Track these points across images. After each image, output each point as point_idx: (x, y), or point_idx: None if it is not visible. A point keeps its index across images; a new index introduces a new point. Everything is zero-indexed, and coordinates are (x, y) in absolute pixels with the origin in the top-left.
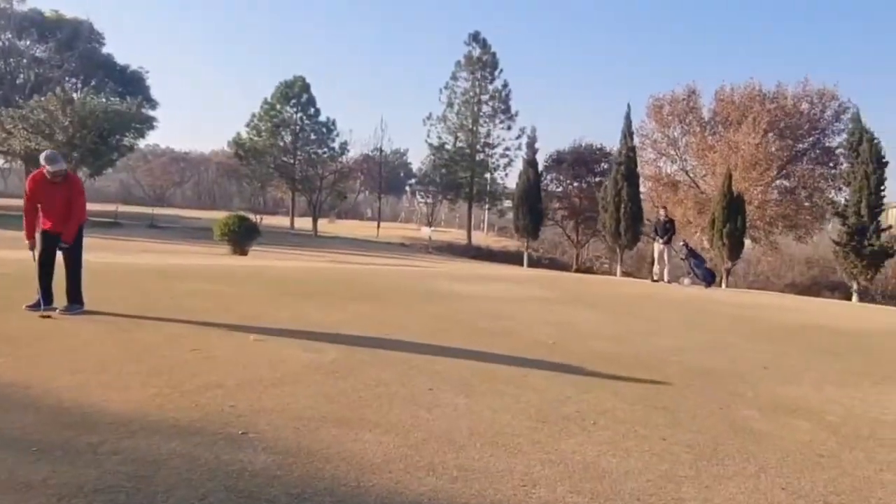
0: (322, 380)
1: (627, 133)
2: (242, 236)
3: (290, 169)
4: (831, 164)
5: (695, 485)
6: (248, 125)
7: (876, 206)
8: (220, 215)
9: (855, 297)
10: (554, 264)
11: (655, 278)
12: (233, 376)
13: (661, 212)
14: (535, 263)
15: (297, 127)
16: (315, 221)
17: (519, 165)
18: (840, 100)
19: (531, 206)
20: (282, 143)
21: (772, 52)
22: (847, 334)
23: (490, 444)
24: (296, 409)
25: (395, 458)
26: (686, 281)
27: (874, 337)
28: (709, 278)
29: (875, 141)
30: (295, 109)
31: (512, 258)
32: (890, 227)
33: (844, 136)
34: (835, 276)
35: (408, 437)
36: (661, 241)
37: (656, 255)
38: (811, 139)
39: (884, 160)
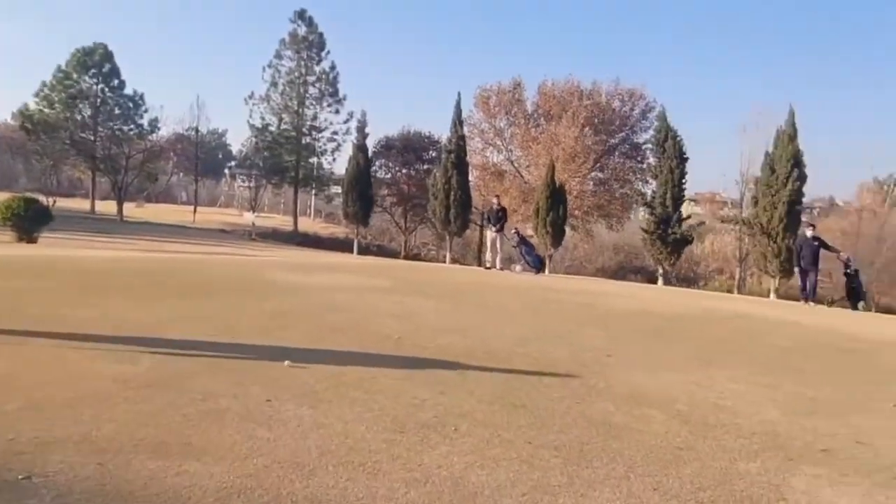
0: (134, 396)
1: (457, 122)
2: (30, 221)
3: (89, 146)
4: (639, 159)
5: (570, 493)
6: (37, 95)
7: (678, 198)
8: (2, 197)
9: (660, 281)
10: (382, 251)
11: (488, 265)
12: (14, 399)
13: (494, 200)
14: (363, 250)
15: (98, 99)
16: (121, 205)
17: (347, 150)
18: (647, 99)
19: (361, 192)
20: (79, 117)
21: (589, 51)
22: (668, 318)
23: (345, 464)
24: (99, 437)
25: (232, 492)
26: (517, 268)
27: (691, 321)
28: (538, 265)
29: (678, 138)
30: (95, 80)
31: (341, 245)
32: (689, 216)
33: (651, 132)
34: (638, 260)
35: (245, 463)
36: (493, 229)
37: (489, 243)
38: (622, 135)
39: (685, 156)
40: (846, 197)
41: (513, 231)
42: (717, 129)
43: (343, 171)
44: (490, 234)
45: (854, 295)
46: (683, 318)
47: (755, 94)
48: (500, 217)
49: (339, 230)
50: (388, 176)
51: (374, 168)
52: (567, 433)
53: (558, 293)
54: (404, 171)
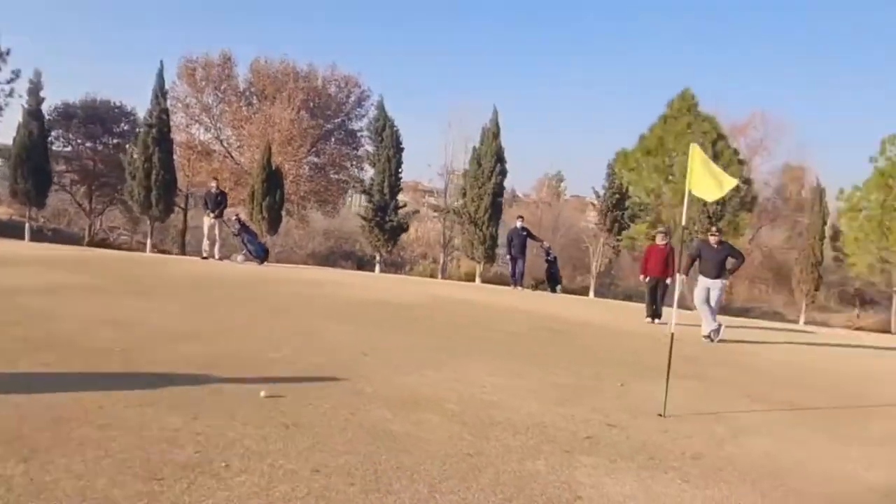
0: None
1: (160, 93)
2: None
3: None
4: (354, 146)
5: None
6: None
7: (395, 186)
8: None
9: (378, 268)
10: (60, 236)
11: (205, 255)
12: None
13: (213, 183)
14: (36, 235)
15: None
16: None
17: (13, 116)
18: (363, 87)
19: (36, 166)
20: None
21: (306, 34)
22: (406, 307)
23: None
24: None
25: None
26: (239, 258)
27: (427, 309)
28: (262, 254)
29: (396, 128)
30: None
31: (2, 229)
32: (405, 204)
33: (366, 120)
34: (347, 245)
35: None
36: (212, 214)
37: (206, 230)
38: (338, 120)
39: (401, 146)
40: (525, 189)
41: (233, 217)
42: (420, 122)
43: (7, 141)
44: (207, 220)
45: (553, 279)
46: (419, 306)
47: (459, 90)
48: (219, 202)
49: (1, 210)
50: (69, 149)
51: (49, 139)
52: (354, 452)
53: (291, 285)
54: (89, 144)
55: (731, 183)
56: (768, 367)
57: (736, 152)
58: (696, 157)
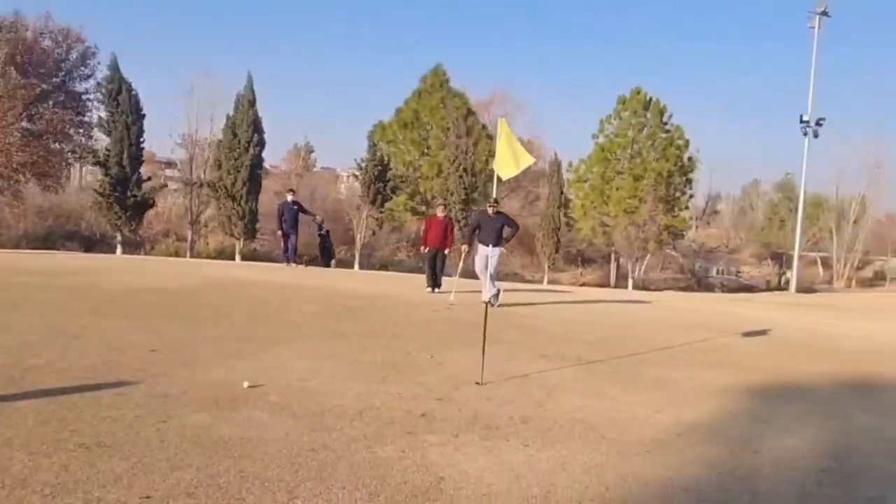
0: None
1: None
2: None
3: None
4: (79, 110)
5: None
6: None
7: (137, 158)
8: None
9: (119, 249)
10: None
11: None
12: None
13: None
14: None
15: None
16: None
17: None
18: (87, 43)
19: None
20: None
21: None
22: (186, 293)
23: None
24: None
25: None
26: None
27: (211, 294)
28: None
29: (134, 92)
30: None
31: None
32: (150, 178)
33: (93, 81)
34: (70, 224)
35: None
36: None
37: None
38: (56, 80)
39: (142, 112)
40: (273, 161)
41: None
42: (156, 87)
43: None
44: None
45: (326, 253)
46: (198, 291)
47: (201, 53)
48: None
49: None
50: None
51: None
52: (185, 467)
53: (32, 276)
54: None
55: (527, 161)
56: (549, 326)
57: (484, 127)
58: (503, 132)
